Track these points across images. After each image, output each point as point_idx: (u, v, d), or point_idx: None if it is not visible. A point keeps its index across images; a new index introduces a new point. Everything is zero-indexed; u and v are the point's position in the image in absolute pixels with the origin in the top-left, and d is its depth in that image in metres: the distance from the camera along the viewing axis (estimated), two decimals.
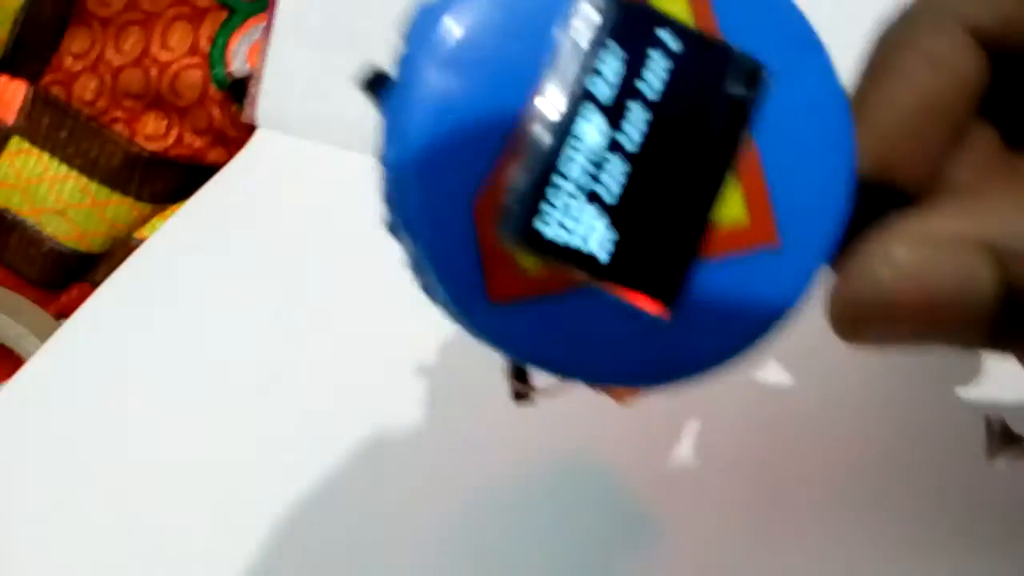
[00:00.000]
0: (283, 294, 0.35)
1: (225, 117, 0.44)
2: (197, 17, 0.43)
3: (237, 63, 0.44)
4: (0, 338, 0.43)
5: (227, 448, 0.31)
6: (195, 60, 0.43)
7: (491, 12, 0.14)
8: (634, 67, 0.14)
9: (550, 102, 0.14)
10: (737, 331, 0.15)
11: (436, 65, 0.14)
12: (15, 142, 0.44)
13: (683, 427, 0.29)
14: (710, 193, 0.15)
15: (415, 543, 0.28)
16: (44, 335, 0.38)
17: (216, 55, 0.44)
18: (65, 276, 0.46)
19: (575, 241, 0.14)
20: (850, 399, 0.28)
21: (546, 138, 0.14)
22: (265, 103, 0.43)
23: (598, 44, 0.14)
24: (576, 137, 0.14)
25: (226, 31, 0.44)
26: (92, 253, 0.45)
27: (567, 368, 0.15)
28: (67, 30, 0.43)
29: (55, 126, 0.44)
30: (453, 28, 0.14)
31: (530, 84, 0.14)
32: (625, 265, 0.14)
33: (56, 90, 0.44)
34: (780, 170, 0.15)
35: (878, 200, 0.16)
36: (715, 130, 0.15)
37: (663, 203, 0.14)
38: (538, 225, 0.14)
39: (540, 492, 0.28)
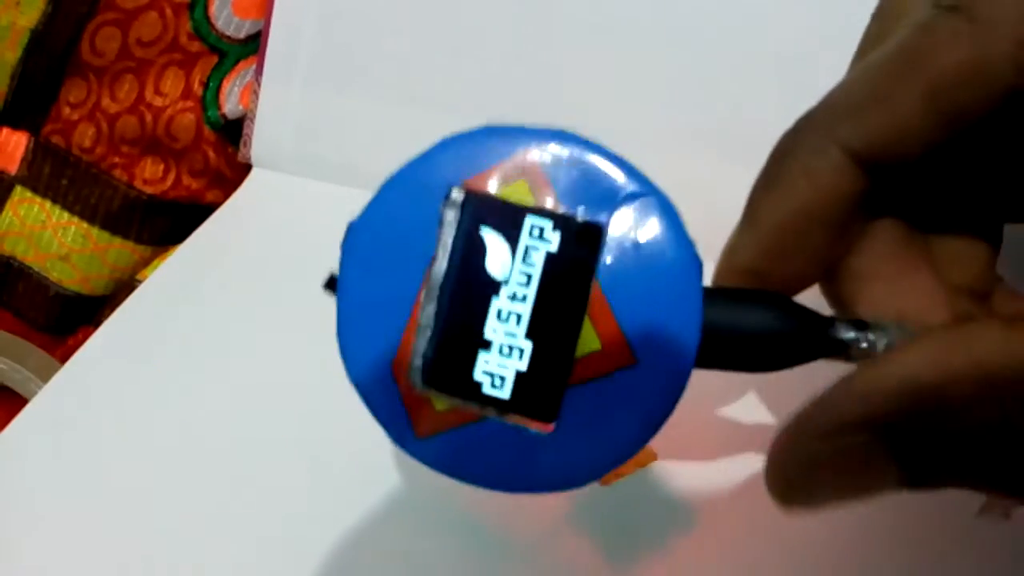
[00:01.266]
0: (281, 330, 0.36)
1: (221, 158, 0.45)
2: (189, 62, 0.44)
3: (230, 105, 0.44)
4: (8, 382, 0.43)
5: (229, 484, 0.32)
6: (189, 104, 0.44)
7: (394, 224, 0.19)
8: (500, 244, 0.19)
9: (435, 280, 0.19)
10: (615, 435, 0.19)
11: (357, 268, 0.19)
12: (18, 191, 0.45)
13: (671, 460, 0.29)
14: (571, 333, 0.18)
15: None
16: (49, 379, 0.39)
17: (209, 98, 0.45)
18: (71, 320, 0.47)
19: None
20: None
21: (431, 307, 0.19)
22: (259, 143, 0.44)
23: (469, 230, 0.19)
24: (460, 303, 0.19)
25: (218, 74, 0.45)
26: (96, 296, 0.46)
27: (488, 481, 0.19)
28: (64, 81, 0.44)
29: (56, 174, 0.45)
30: (368, 240, 0.19)
31: (423, 272, 0.19)
32: (516, 398, 0.18)
33: (56, 139, 0.45)
34: (625, 302, 0.19)
35: (763, 303, 0.19)
36: (569, 281, 0.19)
37: (536, 347, 0.18)
38: (436, 376, 0.19)
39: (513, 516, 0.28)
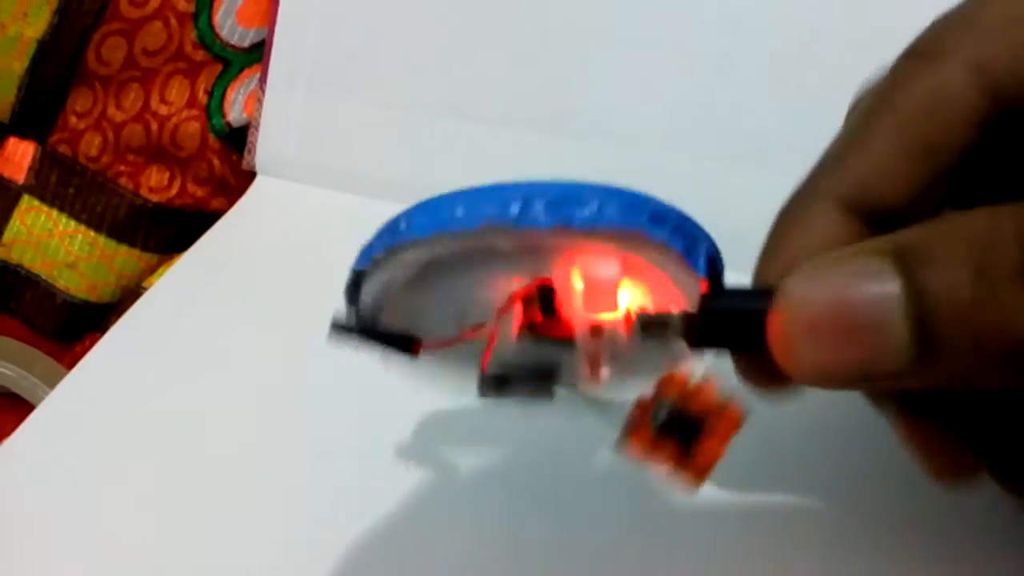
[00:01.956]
0: (285, 336, 0.36)
1: (225, 166, 0.45)
2: (193, 71, 0.45)
3: (235, 113, 0.45)
4: (15, 388, 0.44)
5: (234, 490, 0.32)
6: (193, 112, 0.45)
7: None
8: None
9: None
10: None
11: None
12: (26, 200, 0.46)
13: None
14: None
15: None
16: (56, 385, 0.39)
17: (214, 106, 0.45)
18: (78, 327, 0.47)
19: None
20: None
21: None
22: (263, 150, 0.44)
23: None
24: None
25: (223, 83, 0.45)
26: (103, 304, 0.47)
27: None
28: (70, 90, 0.45)
29: (63, 183, 0.46)
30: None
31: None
32: None
33: (63, 148, 0.46)
34: None
35: None
36: None
37: None
38: None
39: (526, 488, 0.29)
